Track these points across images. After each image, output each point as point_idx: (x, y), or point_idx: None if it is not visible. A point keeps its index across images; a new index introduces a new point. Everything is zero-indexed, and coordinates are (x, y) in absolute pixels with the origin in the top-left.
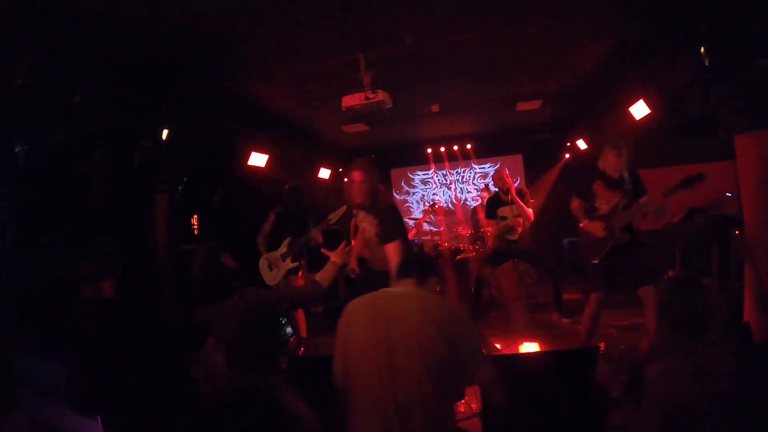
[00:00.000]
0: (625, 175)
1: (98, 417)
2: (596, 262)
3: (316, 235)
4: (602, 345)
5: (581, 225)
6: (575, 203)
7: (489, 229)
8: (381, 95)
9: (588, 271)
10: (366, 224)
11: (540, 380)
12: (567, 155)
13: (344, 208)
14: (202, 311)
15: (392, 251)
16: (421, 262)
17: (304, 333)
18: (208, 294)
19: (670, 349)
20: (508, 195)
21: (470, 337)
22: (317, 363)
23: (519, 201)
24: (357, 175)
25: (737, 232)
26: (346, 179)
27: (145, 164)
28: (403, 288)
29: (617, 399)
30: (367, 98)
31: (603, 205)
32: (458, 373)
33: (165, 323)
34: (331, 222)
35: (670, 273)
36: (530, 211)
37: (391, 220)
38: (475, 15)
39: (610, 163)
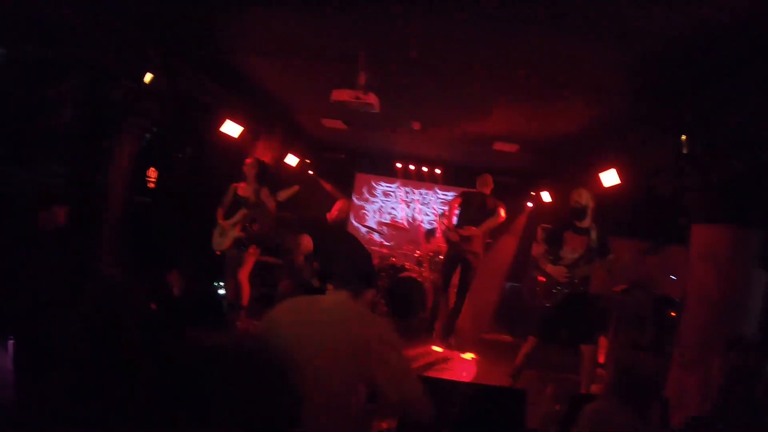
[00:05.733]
0: (592, 226)
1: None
2: (549, 305)
3: (264, 205)
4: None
5: (546, 269)
6: (540, 249)
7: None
8: (372, 98)
9: (537, 315)
10: None
11: (464, 410)
12: (530, 204)
13: (296, 188)
14: None
15: None
16: (361, 271)
17: (245, 301)
18: None
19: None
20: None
21: (396, 356)
22: None
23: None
24: None
25: (673, 314)
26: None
27: (120, 102)
28: (335, 297)
29: None
30: (358, 98)
31: (568, 254)
32: (377, 390)
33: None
34: (279, 199)
35: (602, 338)
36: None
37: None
38: (481, 48)
39: (579, 192)
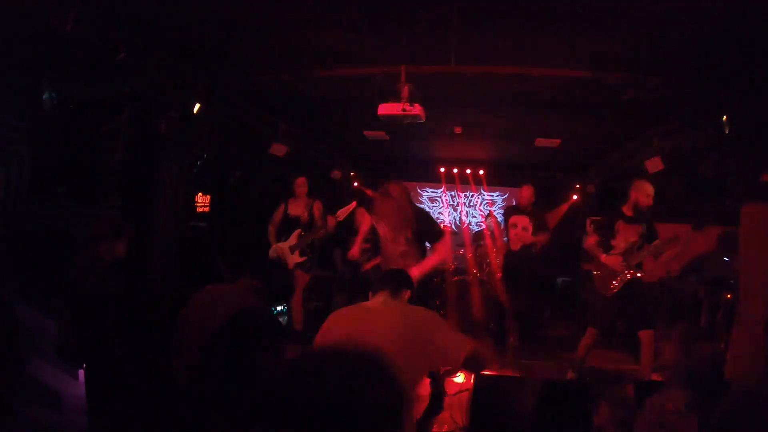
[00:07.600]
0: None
1: (81, 369)
2: (609, 294)
3: (325, 226)
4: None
5: (600, 259)
6: (592, 240)
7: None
8: (417, 109)
9: (595, 306)
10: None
11: (530, 406)
12: (575, 196)
13: (353, 204)
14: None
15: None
16: (394, 276)
17: (299, 325)
18: None
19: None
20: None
21: (444, 328)
22: None
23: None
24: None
25: (729, 296)
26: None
27: (170, 134)
28: (379, 300)
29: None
30: (404, 110)
31: (621, 243)
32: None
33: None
34: (338, 218)
35: (661, 325)
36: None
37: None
38: (520, 54)
39: (645, 190)
